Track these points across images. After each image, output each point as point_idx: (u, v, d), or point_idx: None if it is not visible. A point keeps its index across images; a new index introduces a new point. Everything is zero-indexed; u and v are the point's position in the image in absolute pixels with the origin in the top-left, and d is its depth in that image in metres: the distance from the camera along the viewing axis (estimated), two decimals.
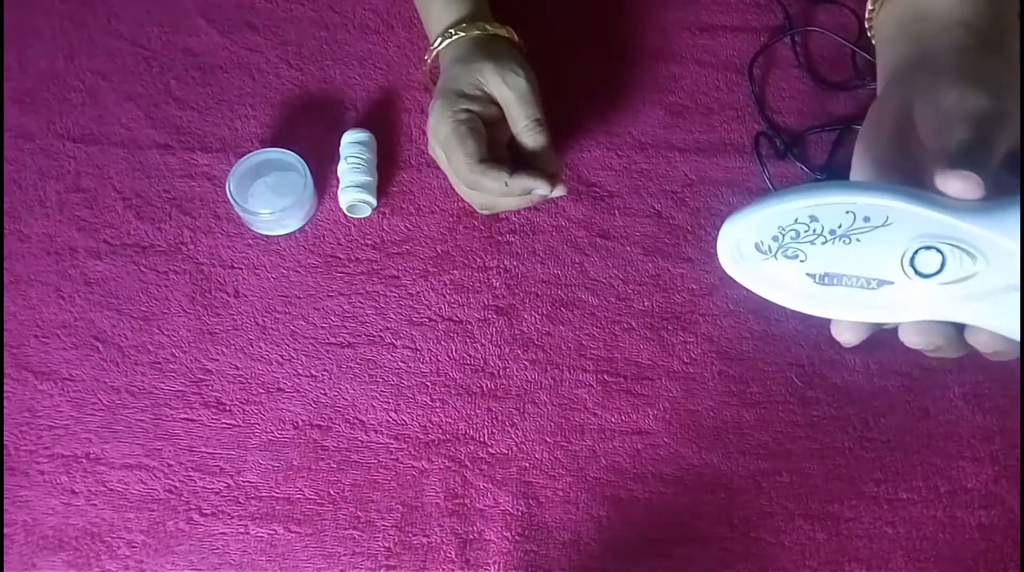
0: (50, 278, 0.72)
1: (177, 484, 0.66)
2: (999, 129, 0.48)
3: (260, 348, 0.70)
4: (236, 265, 0.73)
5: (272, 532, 0.65)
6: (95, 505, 0.65)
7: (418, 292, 0.72)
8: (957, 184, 0.45)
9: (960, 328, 0.48)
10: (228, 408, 0.68)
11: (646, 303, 0.72)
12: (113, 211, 0.74)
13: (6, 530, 0.64)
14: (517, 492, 0.66)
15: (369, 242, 0.74)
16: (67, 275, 0.72)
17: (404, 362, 0.70)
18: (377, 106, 0.79)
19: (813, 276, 0.48)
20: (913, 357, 0.71)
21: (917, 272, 0.46)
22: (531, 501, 0.66)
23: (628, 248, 0.74)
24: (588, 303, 0.72)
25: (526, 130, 0.68)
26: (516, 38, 0.73)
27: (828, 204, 0.46)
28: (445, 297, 0.72)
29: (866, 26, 0.64)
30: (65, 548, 0.64)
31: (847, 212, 0.46)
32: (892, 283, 0.47)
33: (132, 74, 0.80)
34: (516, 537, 0.65)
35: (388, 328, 0.71)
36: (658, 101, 0.79)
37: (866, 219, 0.46)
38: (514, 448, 0.67)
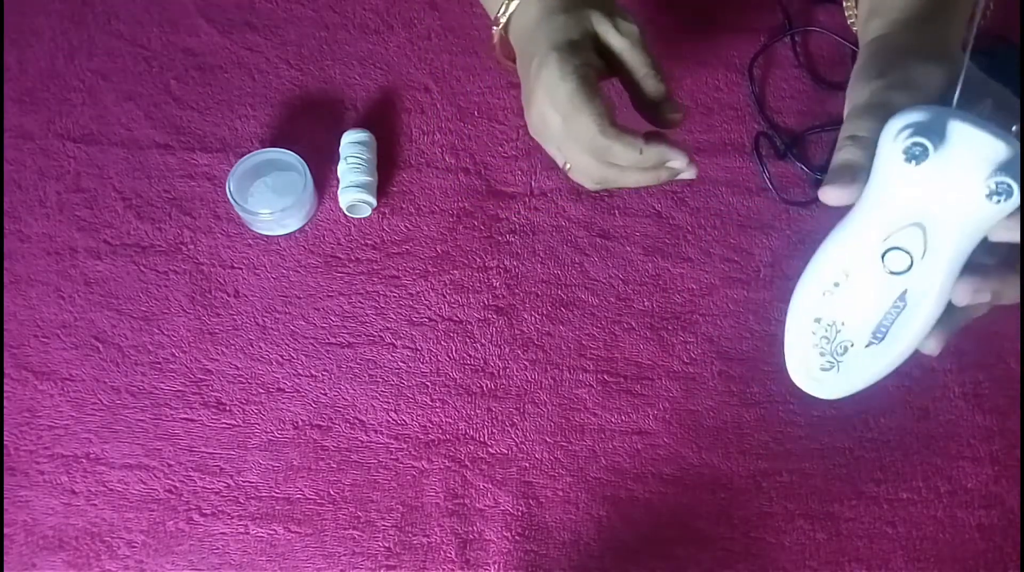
0: (50, 278, 0.72)
1: (177, 484, 0.66)
2: (876, 112, 0.48)
3: (260, 348, 0.70)
4: (236, 265, 0.73)
5: (272, 532, 0.65)
6: (95, 505, 0.65)
7: (418, 292, 0.72)
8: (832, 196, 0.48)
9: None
10: (228, 408, 0.68)
11: (646, 303, 0.72)
12: (113, 211, 0.74)
13: (6, 530, 0.64)
14: (517, 492, 0.66)
15: (369, 242, 0.74)
16: (67, 275, 0.72)
17: (404, 362, 0.70)
18: (377, 106, 0.79)
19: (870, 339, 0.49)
20: (913, 357, 0.71)
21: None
22: (531, 501, 0.66)
23: (628, 248, 0.74)
24: (588, 303, 0.72)
25: (648, 77, 0.59)
26: None
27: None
28: (445, 297, 0.72)
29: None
30: (65, 548, 0.64)
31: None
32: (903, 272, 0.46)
33: (132, 74, 0.79)
34: (516, 537, 0.65)
35: (388, 328, 0.71)
36: None
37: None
38: (514, 448, 0.67)
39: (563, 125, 0.58)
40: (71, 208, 0.74)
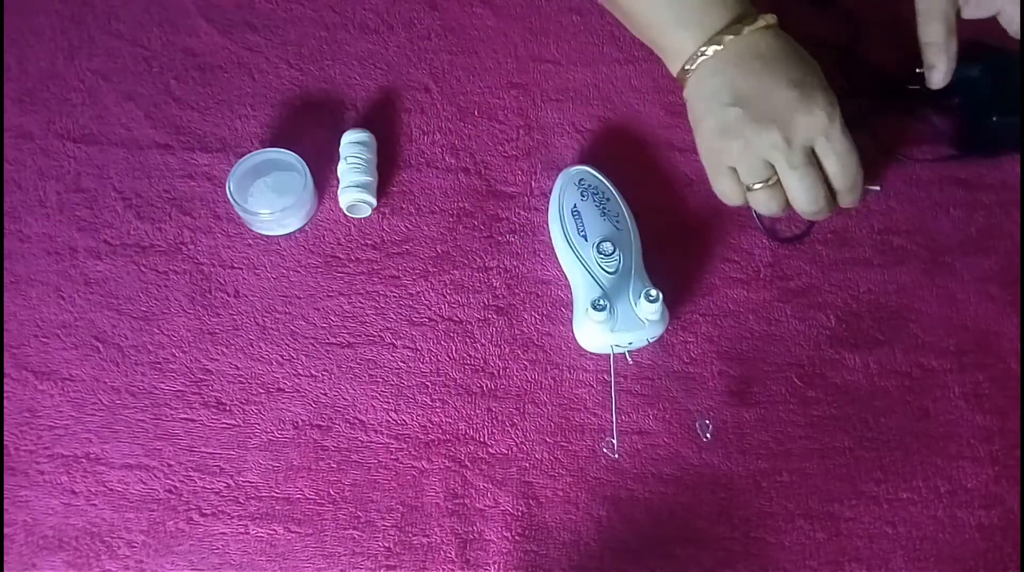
0: (50, 278, 0.72)
1: (177, 484, 0.66)
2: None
3: (260, 348, 0.70)
4: (236, 265, 0.73)
5: (272, 532, 0.65)
6: (95, 505, 0.65)
7: (418, 292, 0.72)
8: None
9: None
10: (228, 408, 0.68)
11: None
12: (113, 211, 0.74)
13: (6, 530, 0.64)
14: (517, 492, 0.66)
15: (369, 242, 0.74)
16: (67, 275, 0.72)
17: (404, 362, 0.70)
18: (377, 106, 0.79)
19: None
20: (913, 357, 0.71)
21: None
22: (531, 501, 0.66)
23: None
24: None
25: (845, 192, 0.69)
26: (774, 20, 0.69)
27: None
28: (445, 297, 0.72)
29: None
30: (65, 548, 0.64)
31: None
32: None
33: (132, 74, 0.80)
34: (516, 537, 0.65)
35: (388, 328, 0.71)
36: (658, 101, 0.79)
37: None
38: (514, 448, 0.67)
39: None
40: (71, 208, 0.74)
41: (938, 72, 0.71)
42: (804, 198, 0.67)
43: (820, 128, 0.65)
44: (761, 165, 0.66)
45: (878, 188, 0.74)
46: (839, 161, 0.66)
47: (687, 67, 0.68)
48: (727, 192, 0.70)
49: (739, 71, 0.66)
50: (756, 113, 0.65)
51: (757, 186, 0.67)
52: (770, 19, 0.68)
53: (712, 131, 0.67)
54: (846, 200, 0.69)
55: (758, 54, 0.66)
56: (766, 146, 0.65)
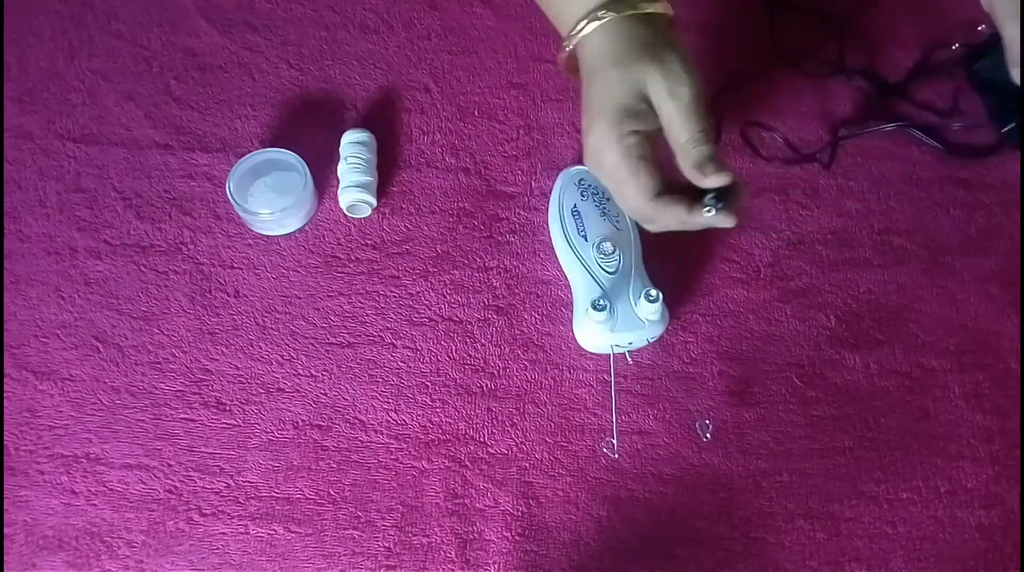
0: (50, 278, 0.72)
1: (177, 484, 0.66)
2: None
3: (260, 348, 0.70)
4: (236, 265, 0.73)
5: (272, 532, 0.65)
6: (95, 505, 0.65)
7: (418, 292, 0.72)
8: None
9: None
10: (228, 408, 0.68)
11: None
12: (113, 211, 0.74)
13: (6, 530, 0.64)
14: (517, 492, 0.66)
15: (369, 242, 0.74)
16: (67, 275, 0.72)
17: (404, 362, 0.70)
18: (377, 106, 0.79)
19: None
20: (913, 357, 0.71)
21: None
22: (531, 501, 0.66)
23: None
24: None
25: (688, 145, 0.58)
26: (671, 12, 0.62)
27: None
28: (445, 297, 0.72)
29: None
30: (65, 548, 0.64)
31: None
32: None
33: (132, 74, 0.79)
34: (516, 537, 0.65)
35: (388, 328, 0.71)
36: None
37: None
38: (514, 448, 0.67)
39: (610, 185, 0.60)
40: (71, 208, 0.74)
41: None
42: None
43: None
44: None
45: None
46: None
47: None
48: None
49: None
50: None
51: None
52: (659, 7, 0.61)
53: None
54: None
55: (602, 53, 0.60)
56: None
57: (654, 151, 0.60)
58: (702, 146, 0.58)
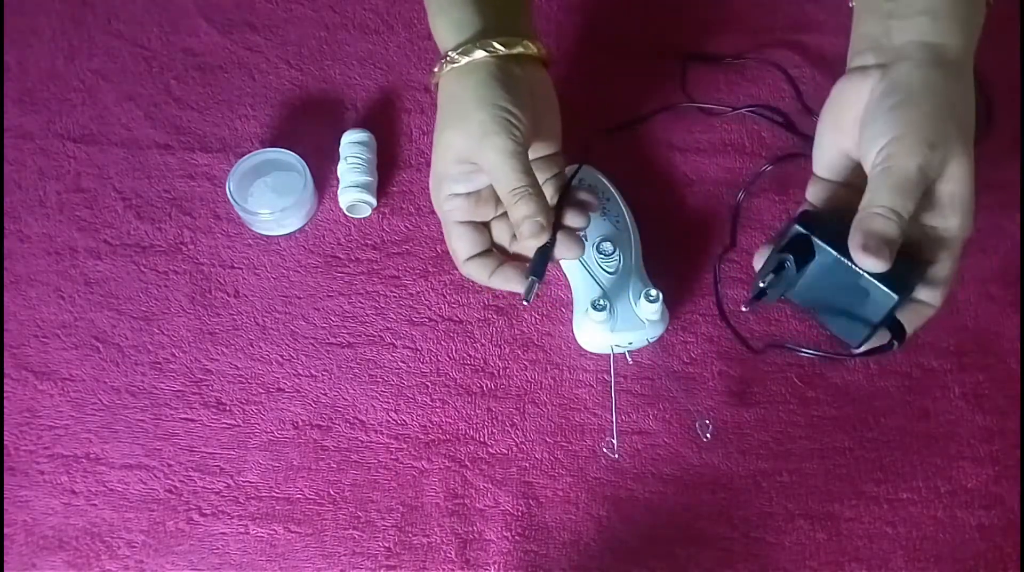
0: (50, 278, 0.72)
1: (177, 484, 0.66)
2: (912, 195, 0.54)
3: (260, 348, 0.70)
4: (236, 265, 0.73)
5: (272, 532, 0.65)
6: (95, 505, 0.65)
7: (418, 292, 0.72)
8: (868, 262, 0.55)
9: None
10: (228, 408, 0.68)
11: None
12: (113, 211, 0.74)
13: (6, 530, 0.64)
14: (517, 492, 0.66)
15: (369, 242, 0.74)
16: (67, 275, 0.72)
17: (404, 362, 0.70)
18: (377, 106, 0.79)
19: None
20: (913, 357, 0.71)
21: None
22: (531, 501, 0.66)
23: None
24: None
25: (508, 201, 0.60)
26: (534, 49, 0.63)
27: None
28: (445, 297, 0.72)
29: None
30: (65, 548, 0.64)
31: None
32: None
33: (132, 74, 0.80)
34: (516, 537, 0.65)
35: (388, 328, 0.71)
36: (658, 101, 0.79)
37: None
38: (514, 448, 0.67)
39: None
40: (71, 208, 0.74)
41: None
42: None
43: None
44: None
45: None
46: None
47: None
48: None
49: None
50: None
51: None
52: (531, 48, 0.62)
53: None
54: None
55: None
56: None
57: (475, 212, 0.64)
58: (518, 204, 0.59)
